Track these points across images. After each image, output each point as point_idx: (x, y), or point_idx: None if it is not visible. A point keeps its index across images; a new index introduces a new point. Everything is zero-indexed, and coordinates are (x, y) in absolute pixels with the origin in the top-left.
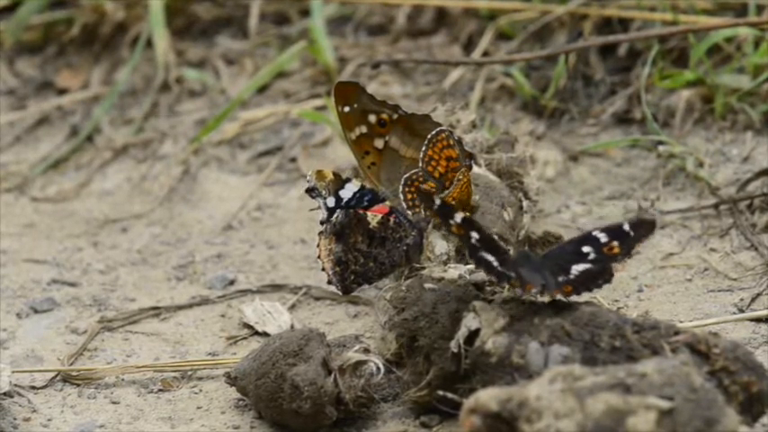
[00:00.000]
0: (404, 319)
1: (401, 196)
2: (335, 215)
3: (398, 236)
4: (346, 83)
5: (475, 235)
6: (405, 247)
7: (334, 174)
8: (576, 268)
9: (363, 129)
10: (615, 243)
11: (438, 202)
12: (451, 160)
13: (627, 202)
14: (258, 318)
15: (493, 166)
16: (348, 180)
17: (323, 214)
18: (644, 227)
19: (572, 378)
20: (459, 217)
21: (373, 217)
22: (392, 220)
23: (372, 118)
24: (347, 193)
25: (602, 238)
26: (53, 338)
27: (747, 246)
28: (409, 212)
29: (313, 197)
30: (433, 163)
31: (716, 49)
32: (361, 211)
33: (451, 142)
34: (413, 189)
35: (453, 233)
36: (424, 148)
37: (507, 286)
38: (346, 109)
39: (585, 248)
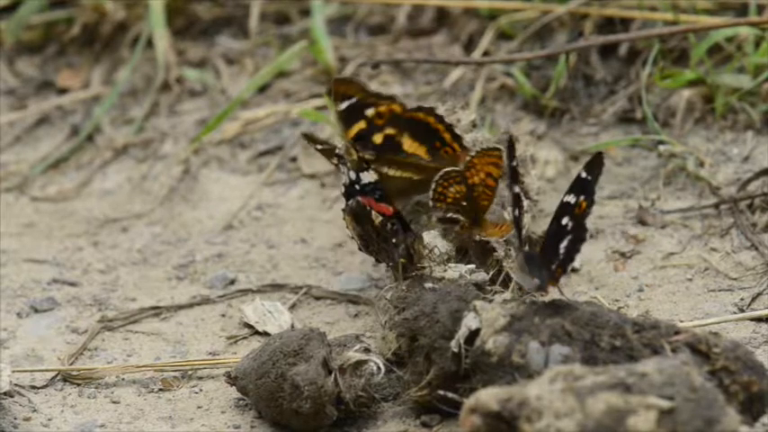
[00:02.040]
0: (404, 318)
1: (432, 186)
2: (350, 201)
3: (393, 240)
4: (343, 79)
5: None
6: (396, 253)
7: (359, 157)
8: (562, 245)
9: (362, 125)
10: (581, 198)
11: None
12: (490, 177)
13: (627, 201)
14: (258, 317)
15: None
16: (368, 168)
17: (346, 179)
18: (595, 164)
19: (572, 378)
20: (517, 188)
21: (376, 216)
22: (389, 225)
23: (370, 111)
24: (365, 178)
25: (571, 199)
26: (53, 338)
27: (748, 245)
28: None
29: (339, 166)
30: (473, 170)
31: (716, 49)
32: (368, 205)
33: (500, 163)
34: (446, 184)
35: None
36: (473, 153)
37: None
38: (344, 105)
39: (564, 219)
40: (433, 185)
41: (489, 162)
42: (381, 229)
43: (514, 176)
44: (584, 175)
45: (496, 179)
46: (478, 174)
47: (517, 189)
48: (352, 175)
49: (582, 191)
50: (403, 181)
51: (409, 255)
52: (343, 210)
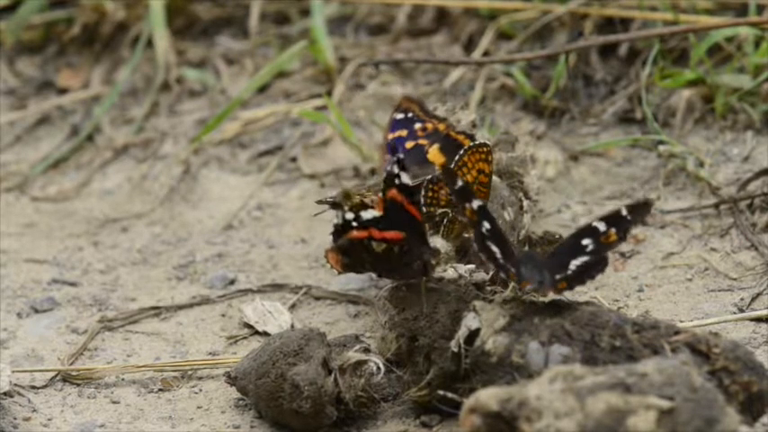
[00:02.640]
0: (404, 318)
1: (422, 192)
2: (340, 239)
3: (404, 261)
4: (411, 98)
5: (486, 225)
6: (409, 270)
7: (362, 201)
8: (575, 263)
9: (403, 133)
10: (612, 230)
11: (460, 183)
12: (482, 174)
13: (627, 201)
14: (258, 317)
15: (494, 166)
16: (371, 207)
17: (338, 220)
18: (640, 209)
19: (572, 378)
20: (476, 203)
21: (378, 245)
22: (396, 249)
23: (418, 125)
24: (368, 215)
25: (601, 227)
26: (53, 338)
27: (748, 245)
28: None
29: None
30: (465, 169)
31: (716, 49)
32: (367, 237)
33: (490, 158)
34: (436, 188)
35: (466, 216)
36: (461, 153)
37: (506, 278)
38: (399, 116)
39: (585, 241)
40: (423, 191)
41: (479, 159)
42: (385, 254)
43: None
44: (624, 212)
45: (488, 175)
46: (471, 171)
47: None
48: (349, 215)
49: (615, 225)
50: None
51: (425, 269)
52: (330, 249)
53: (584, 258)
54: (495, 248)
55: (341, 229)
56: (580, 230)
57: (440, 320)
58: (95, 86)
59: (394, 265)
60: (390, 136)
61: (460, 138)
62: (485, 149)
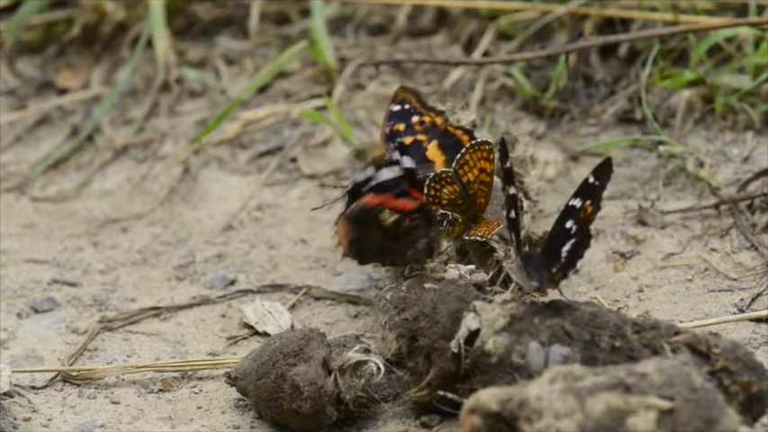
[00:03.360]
0: (404, 319)
1: (425, 189)
2: (352, 206)
3: (411, 238)
4: (407, 88)
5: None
6: (413, 250)
7: (385, 157)
8: (565, 249)
9: (401, 126)
10: (587, 203)
11: (509, 164)
12: (484, 172)
13: (627, 201)
14: (258, 318)
15: (495, 164)
16: (396, 163)
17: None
18: (603, 169)
19: (572, 378)
20: (513, 189)
21: (390, 214)
22: (407, 221)
23: (415, 118)
24: (386, 174)
25: (577, 203)
26: (53, 338)
27: (748, 246)
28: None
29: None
30: (466, 168)
31: (716, 49)
32: (378, 205)
33: (491, 157)
34: (438, 187)
35: (506, 196)
36: (462, 151)
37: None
38: (395, 108)
39: (568, 224)
40: (425, 189)
41: (481, 157)
42: (395, 227)
43: (509, 178)
44: (591, 179)
45: (490, 174)
46: (472, 171)
47: (513, 190)
48: (369, 172)
49: (588, 195)
50: None
51: (430, 250)
52: (342, 218)
53: (572, 241)
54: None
55: (357, 190)
56: (560, 216)
57: (440, 321)
58: (95, 87)
59: (400, 244)
60: (387, 130)
61: (459, 133)
62: (486, 147)
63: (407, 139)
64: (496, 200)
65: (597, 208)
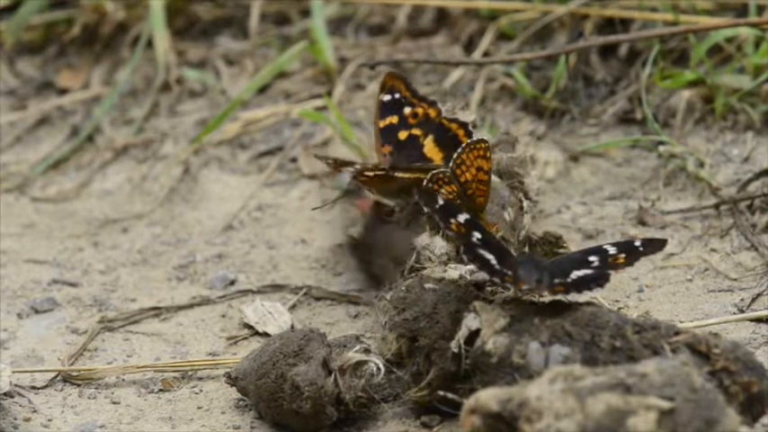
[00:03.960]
0: (404, 319)
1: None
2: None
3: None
4: (395, 74)
5: (477, 234)
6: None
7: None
8: (576, 273)
9: (394, 119)
10: (622, 255)
11: (441, 202)
12: (481, 171)
13: (627, 202)
14: (259, 318)
15: (493, 166)
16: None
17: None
18: (654, 245)
19: (572, 378)
20: (462, 217)
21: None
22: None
23: (407, 110)
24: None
25: (611, 250)
26: (53, 338)
27: (748, 246)
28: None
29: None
30: (463, 167)
31: (716, 49)
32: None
33: (488, 155)
34: (435, 187)
35: (453, 231)
36: (459, 151)
37: (503, 283)
38: (386, 98)
39: (592, 257)
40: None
41: (478, 156)
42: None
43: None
44: (638, 243)
45: (488, 172)
46: (469, 170)
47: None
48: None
49: (627, 252)
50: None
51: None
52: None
53: (587, 271)
54: (489, 255)
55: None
56: (591, 248)
57: (440, 321)
58: (95, 87)
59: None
60: (382, 123)
61: (454, 127)
62: (483, 146)
63: (402, 134)
64: (496, 200)
65: (629, 265)
